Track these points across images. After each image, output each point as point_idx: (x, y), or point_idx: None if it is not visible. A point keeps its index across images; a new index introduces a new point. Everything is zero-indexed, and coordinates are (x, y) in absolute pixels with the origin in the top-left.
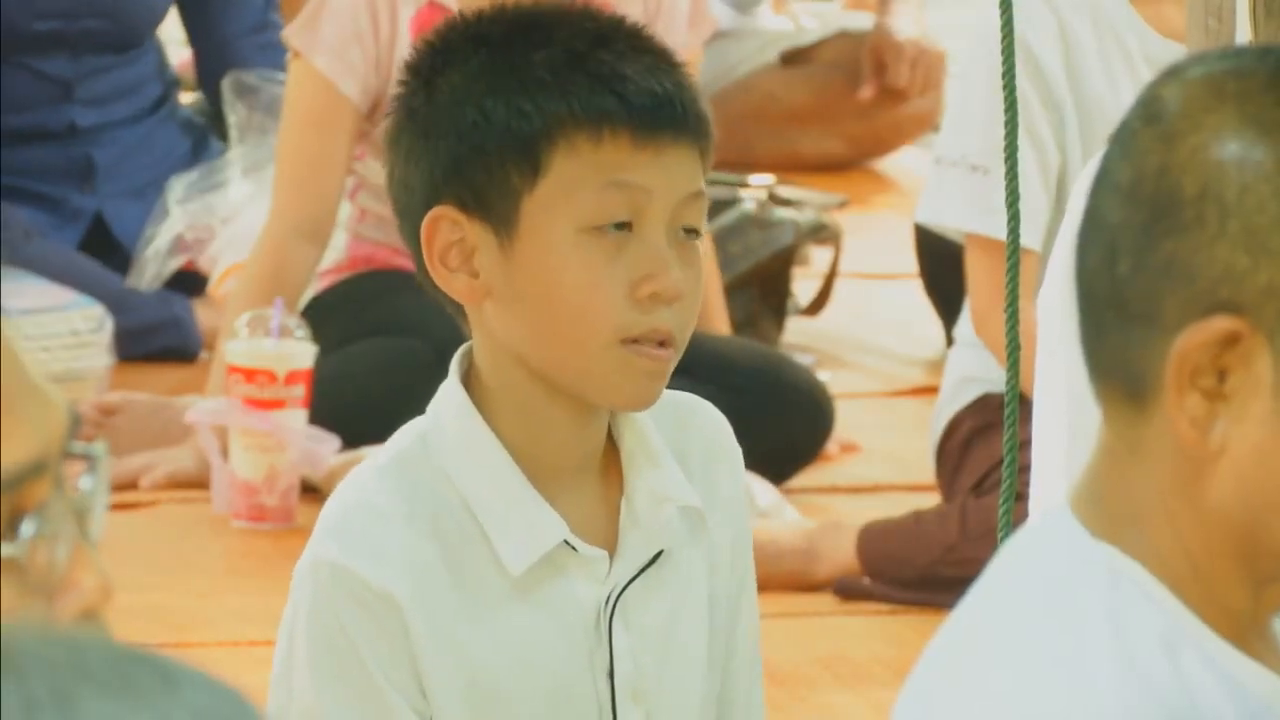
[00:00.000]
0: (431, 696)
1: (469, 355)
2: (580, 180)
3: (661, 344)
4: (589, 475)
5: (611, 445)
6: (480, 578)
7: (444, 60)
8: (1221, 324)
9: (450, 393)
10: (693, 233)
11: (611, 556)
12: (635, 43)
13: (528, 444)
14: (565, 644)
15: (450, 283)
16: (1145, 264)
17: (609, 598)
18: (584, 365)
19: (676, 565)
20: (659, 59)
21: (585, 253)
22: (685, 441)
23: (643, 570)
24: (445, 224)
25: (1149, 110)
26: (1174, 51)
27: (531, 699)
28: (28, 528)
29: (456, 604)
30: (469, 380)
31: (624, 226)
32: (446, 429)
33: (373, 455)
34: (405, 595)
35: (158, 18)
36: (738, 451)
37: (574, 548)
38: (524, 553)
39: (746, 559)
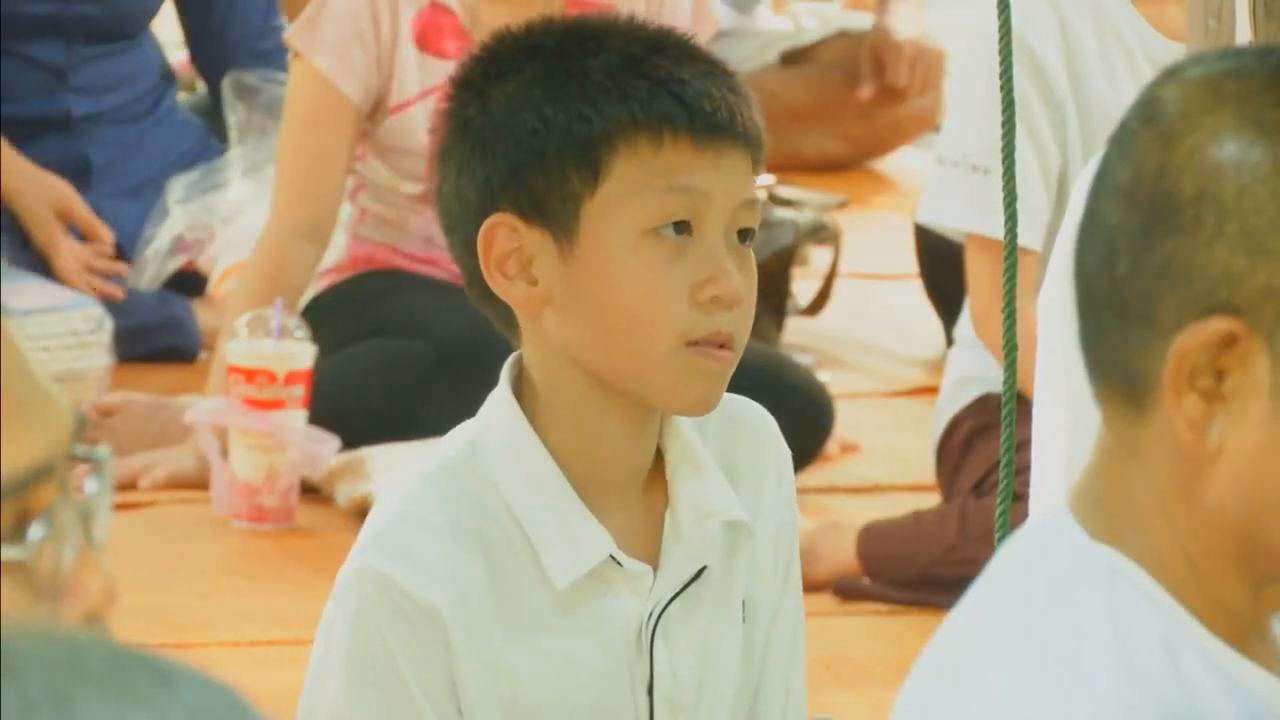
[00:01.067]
0: (469, 711)
1: (519, 364)
2: (641, 184)
3: (722, 346)
4: (634, 488)
5: (656, 457)
6: (524, 591)
7: (497, 71)
8: (1219, 325)
9: (500, 401)
10: (746, 239)
11: (654, 570)
12: (688, 50)
13: (578, 456)
14: (606, 659)
15: (508, 291)
16: (1143, 265)
17: (651, 614)
18: (647, 370)
19: (717, 579)
20: (712, 66)
21: (646, 256)
22: (733, 441)
23: (685, 586)
24: (503, 232)
25: (1148, 111)
26: (1175, 51)
27: (571, 714)
28: (36, 531)
29: (499, 617)
30: (520, 390)
31: (683, 229)
32: (495, 438)
33: (422, 461)
34: (447, 607)
35: (152, 8)
36: (786, 451)
37: (619, 563)
38: (570, 567)
39: (790, 558)
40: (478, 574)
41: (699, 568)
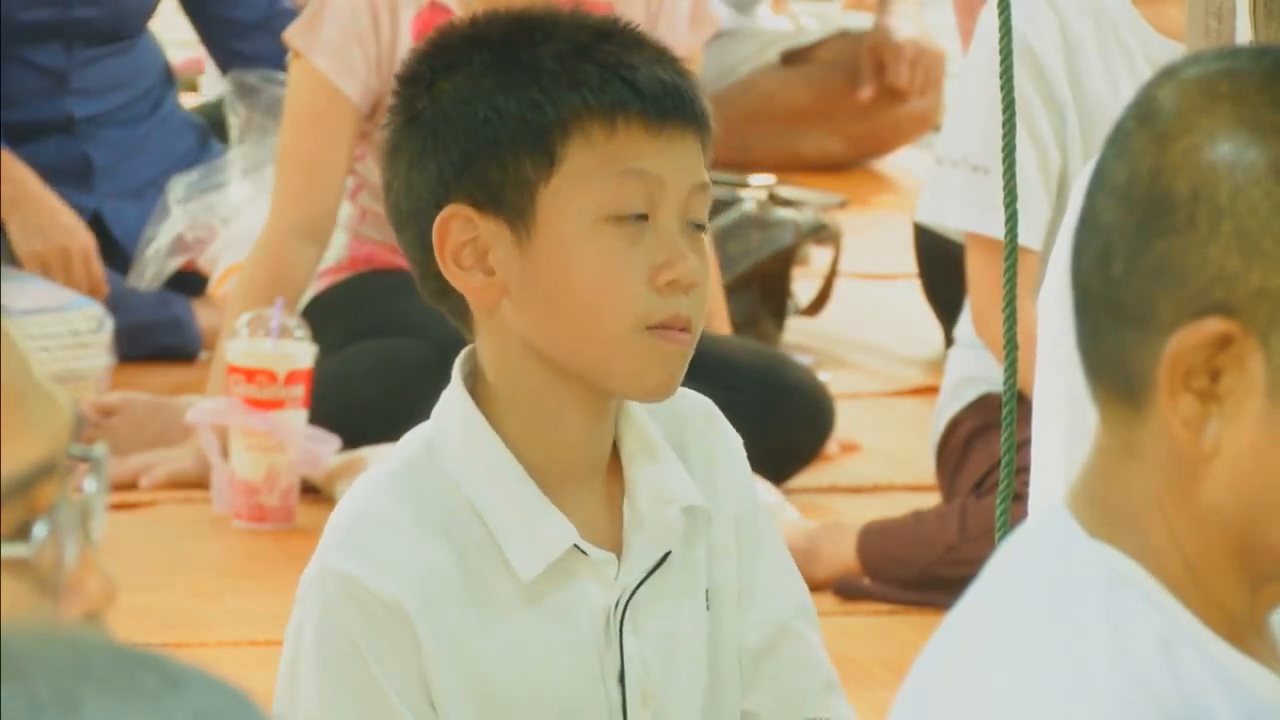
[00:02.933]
0: (441, 707)
1: (471, 360)
2: (596, 169)
3: (681, 329)
4: (594, 478)
5: (613, 446)
6: (491, 586)
7: (444, 64)
8: (1214, 325)
9: (454, 398)
10: (699, 226)
11: (617, 558)
12: (635, 36)
13: (536, 447)
14: (576, 649)
15: (465, 282)
16: (1138, 265)
17: (619, 602)
18: (608, 354)
19: (680, 565)
20: (660, 52)
21: (603, 241)
22: (681, 433)
23: (651, 573)
24: (457, 222)
25: (1143, 111)
26: (1175, 51)
27: (543, 706)
28: (40, 529)
29: (467, 613)
30: (474, 386)
31: (639, 217)
32: (452, 435)
33: (377, 464)
34: (414, 606)
35: (150, 7)
36: (735, 437)
37: (584, 552)
38: (535, 558)
39: (756, 539)
40: (444, 571)
41: (662, 554)
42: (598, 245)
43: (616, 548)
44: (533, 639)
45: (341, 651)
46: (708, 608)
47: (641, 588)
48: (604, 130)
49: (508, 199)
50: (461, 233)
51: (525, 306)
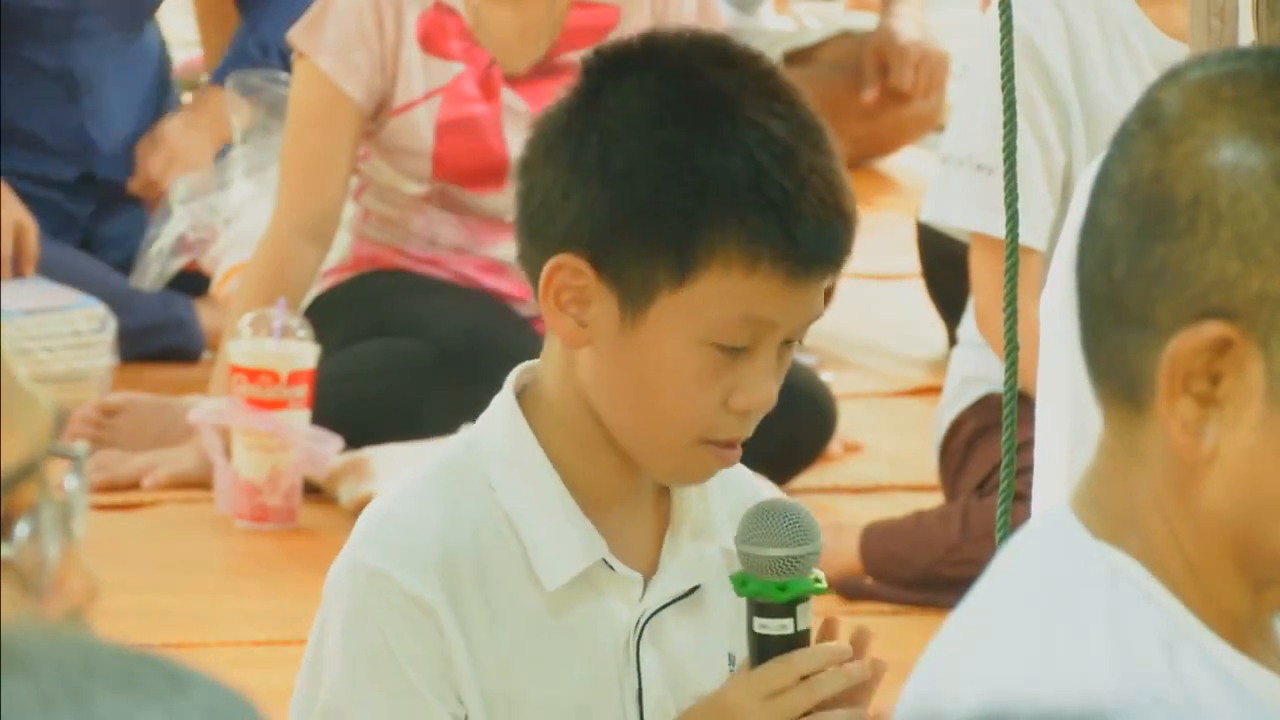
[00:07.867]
0: (464, 700)
1: (530, 374)
2: (721, 299)
3: (730, 444)
4: (639, 503)
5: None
6: (514, 592)
7: (619, 84)
8: (1213, 330)
9: (503, 406)
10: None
11: (647, 582)
12: (820, 150)
13: (582, 471)
14: (594, 663)
15: (556, 320)
16: (1139, 268)
17: (639, 621)
18: (656, 451)
19: (711, 602)
20: (835, 177)
21: (701, 361)
22: None
23: (676, 600)
24: (569, 272)
25: (1147, 113)
26: (1179, 51)
27: (558, 717)
28: (22, 529)
29: (488, 617)
30: (529, 399)
31: (741, 349)
32: (494, 441)
33: (420, 460)
34: (440, 601)
35: (153, 3)
36: None
37: (611, 567)
38: (560, 568)
39: None
40: (469, 573)
41: (692, 585)
42: (695, 364)
43: (651, 572)
44: (550, 648)
45: (370, 644)
46: (730, 668)
47: (667, 611)
48: (744, 267)
49: (630, 284)
50: (571, 279)
51: (600, 370)
